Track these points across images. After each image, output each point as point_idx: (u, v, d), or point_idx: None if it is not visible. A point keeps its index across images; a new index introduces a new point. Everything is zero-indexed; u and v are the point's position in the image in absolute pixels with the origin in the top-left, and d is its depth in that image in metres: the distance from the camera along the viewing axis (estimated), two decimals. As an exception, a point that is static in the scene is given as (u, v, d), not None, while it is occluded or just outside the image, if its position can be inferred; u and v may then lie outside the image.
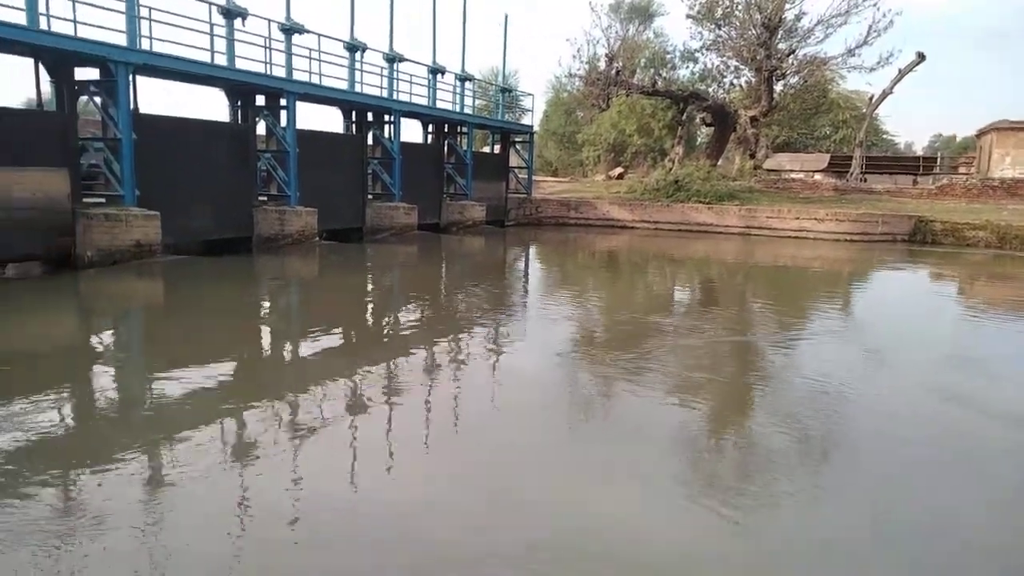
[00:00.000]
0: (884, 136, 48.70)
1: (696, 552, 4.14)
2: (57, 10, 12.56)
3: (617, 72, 30.30)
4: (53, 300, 11.15)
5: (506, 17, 27.66)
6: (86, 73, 13.56)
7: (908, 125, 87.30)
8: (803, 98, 34.57)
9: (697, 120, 36.59)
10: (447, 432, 5.94)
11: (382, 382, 7.31)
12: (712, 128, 34.41)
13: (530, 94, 44.25)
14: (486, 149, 32.78)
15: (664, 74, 35.18)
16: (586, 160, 43.96)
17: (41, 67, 13.17)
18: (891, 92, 32.68)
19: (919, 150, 56.80)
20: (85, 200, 13.57)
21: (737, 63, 31.88)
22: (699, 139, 42.59)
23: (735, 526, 4.40)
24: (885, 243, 23.96)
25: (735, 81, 33.36)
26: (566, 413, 6.56)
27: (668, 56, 37.90)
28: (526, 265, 19.74)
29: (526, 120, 32.23)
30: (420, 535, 4.14)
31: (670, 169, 30.91)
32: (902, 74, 31.81)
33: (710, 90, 33.55)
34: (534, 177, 31.58)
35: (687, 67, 36.70)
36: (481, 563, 3.89)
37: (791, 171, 36.26)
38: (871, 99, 34.47)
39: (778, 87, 31.43)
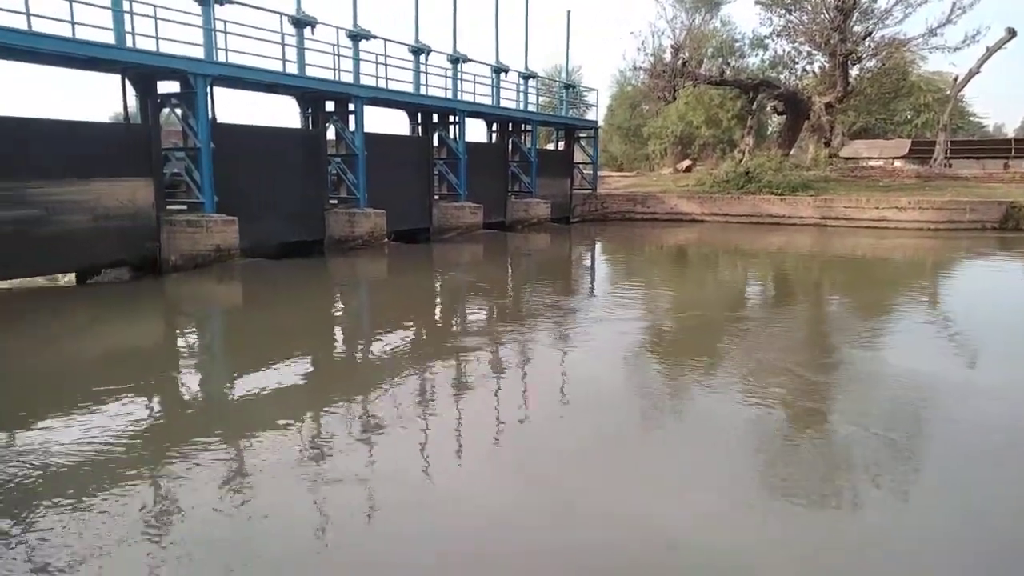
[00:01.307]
0: (971, 119, 46.00)
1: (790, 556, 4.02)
2: (139, 27, 13.20)
3: (683, 63, 29.65)
4: (143, 302, 11.81)
5: (568, 13, 27.50)
6: (167, 86, 14.24)
7: (998, 106, 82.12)
8: (881, 82, 33.03)
9: (768, 109, 35.49)
10: (516, 430, 5.96)
11: (451, 379, 7.40)
12: (784, 117, 33.31)
13: (594, 89, 43.83)
14: (550, 146, 32.71)
15: (732, 63, 34.27)
16: (652, 154, 43.27)
17: (127, 83, 13.89)
18: (978, 72, 30.86)
19: (1010, 132, 53.43)
20: (168, 207, 14.25)
21: (809, 48, 30.76)
22: (770, 128, 41.29)
23: (815, 530, 4.25)
24: (973, 231, 22.68)
25: (807, 67, 32.22)
26: (638, 412, 6.48)
27: (736, 44, 36.87)
28: (593, 261, 19.62)
29: (590, 115, 32.03)
30: (487, 533, 4.17)
31: (740, 160, 30.12)
32: (990, 52, 29.99)
33: (781, 77, 32.49)
34: (599, 172, 31.32)
35: (756, 55, 35.66)
36: (548, 563, 3.89)
37: (869, 158, 34.72)
38: (955, 80, 32.64)
39: (854, 71, 30.16)
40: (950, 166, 31.41)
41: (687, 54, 30.08)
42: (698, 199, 27.83)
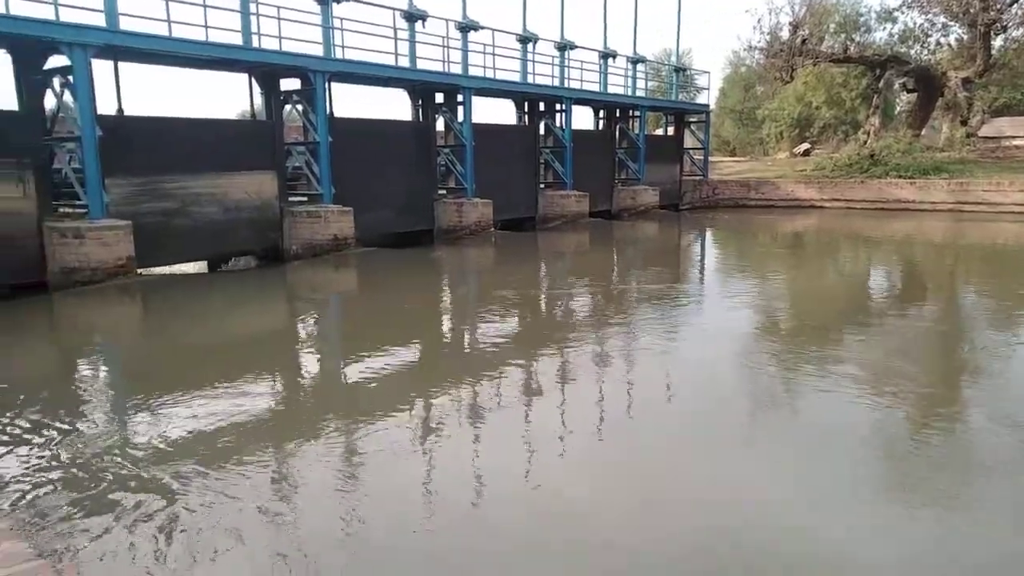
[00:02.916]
0: None
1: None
2: (262, 29, 13.95)
3: (803, 40, 28.15)
4: (270, 288, 12.60)
5: (679, -6, 26.65)
6: (289, 84, 15.00)
7: None
8: (1029, 53, 30.06)
9: (896, 87, 33.13)
10: (622, 423, 5.89)
11: (557, 369, 7.40)
12: (914, 94, 30.99)
13: (706, 72, 42.24)
14: (659, 132, 31.96)
15: (857, 38, 32.14)
16: (767, 137, 41.44)
17: (254, 81, 14.74)
18: None
19: None
20: (290, 199, 15.04)
21: (945, 19, 28.43)
22: (898, 108, 38.50)
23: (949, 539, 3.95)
24: None
25: (942, 40, 29.81)
26: (748, 408, 6.24)
27: (861, 18, 34.55)
28: (702, 250, 19.06)
29: (701, 99, 30.94)
30: (585, 528, 4.14)
31: (864, 142, 28.33)
32: None
33: (911, 52, 30.21)
34: (710, 158, 30.33)
35: (883, 28, 33.22)
36: (652, 563, 3.83)
37: (1013, 138, 31.72)
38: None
39: (997, 42, 27.61)
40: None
41: (807, 31, 28.54)
42: (817, 184, 26.42)
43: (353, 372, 7.47)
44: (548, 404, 6.29)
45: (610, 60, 23.31)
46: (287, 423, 5.80)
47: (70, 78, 11.21)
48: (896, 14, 31.29)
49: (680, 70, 29.51)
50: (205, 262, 14.05)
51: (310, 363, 8.13)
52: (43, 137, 11.69)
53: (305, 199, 15.25)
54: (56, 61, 11.51)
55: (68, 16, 11.09)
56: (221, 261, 14.17)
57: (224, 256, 14.15)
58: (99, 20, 11.51)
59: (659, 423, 5.82)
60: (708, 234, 21.65)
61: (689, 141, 28.89)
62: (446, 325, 10.07)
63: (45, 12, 10.93)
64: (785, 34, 28.71)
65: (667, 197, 26.15)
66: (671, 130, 29.01)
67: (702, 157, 28.92)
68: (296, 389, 7.03)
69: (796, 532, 4.07)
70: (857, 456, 5.02)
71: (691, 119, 28.91)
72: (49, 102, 12.10)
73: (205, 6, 12.72)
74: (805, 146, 36.53)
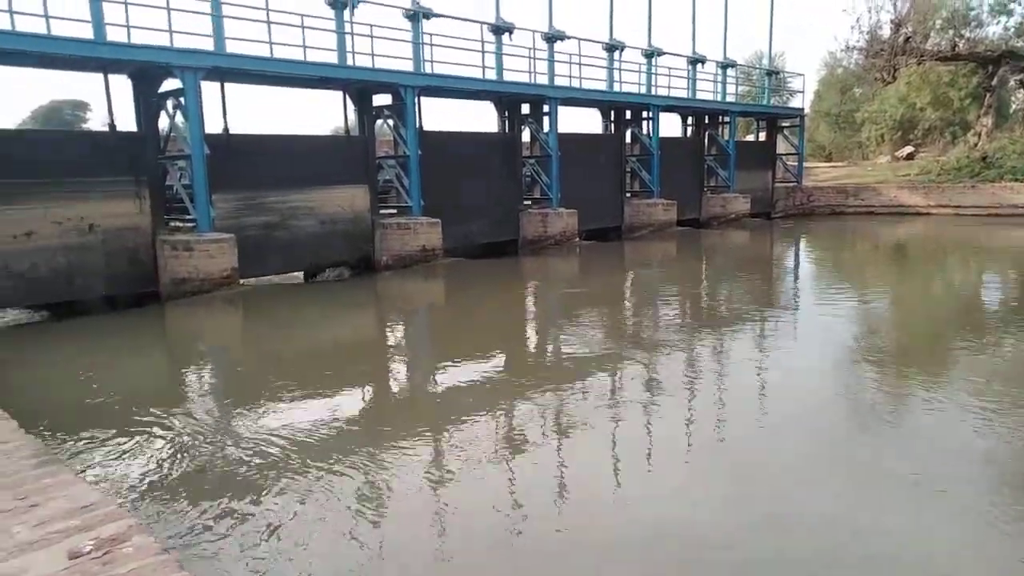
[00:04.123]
0: None
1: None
2: (352, 46, 14.46)
3: (906, 39, 26.79)
4: (364, 298, 13.06)
5: (772, -5, 25.85)
6: (380, 99, 15.47)
7: None
8: None
9: (1011, 84, 30.92)
10: (713, 438, 5.71)
11: (642, 381, 7.27)
12: (1033, 92, 28.85)
13: (799, 74, 40.92)
14: (750, 137, 31.05)
15: (967, 34, 30.21)
16: (866, 141, 39.45)
17: (347, 98, 15.28)
18: None
19: None
20: (381, 211, 15.49)
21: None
22: (1013, 106, 35.89)
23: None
24: None
25: (1066, 32, 27.60)
26: (848, 425, 5.93)
27: (972, 12, 32.47)
28: (796, 259, 18.35)
29: (795, 103, 29.99)
30: (675, 544, 4.03)
31: (975, 144, 26.62)
32: None
33: (1030, 46, 28.14)
34: (804, 163, 29.22)
35: (997, 22, 31.08)
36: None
37: None
38: None
39: None
40: None
41: (910, 28, 27.13)
42: (923, 189, 24.98)
43: (445, 380, 7.58)
44: (635, 417, 6.18)
45: (699, 65, 22.87)
46: (382, 427, 5.94)
47: (182, 100, 11.96)
48: (1012, 6, 29.24)
49: (772, 73, 28.62)
50: (301, 273, 14.65)
51: (404, 370, 8.32)
52: (157, 156, 12.51)
53: (395, 211, 15.66)
54: (169, 84, 12.32)
55: (180, 42, 11.87)
56: (316, 272, 14.74)
57: (319, 267, 14.70)
58: (207, 44, 12.26)
59: (751, 441, 5.60)
60: (803, 243, 20.81)
61: (782, 146, 27.93)
62: (531, 335, 10.08)
63: (159, 39, 11.73)
64: (886, 33, 27.38)
65: (759, 204, 25.34)
66: (763, 136, 28.14)
67: (796, 163, 27.88)
68: (388, 395, 7.20)
69: None
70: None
71: (784, 124, 27.96)
72: (162, 123, 12.94)
73: (303, 27, 13.31)
74: (909, 149, 34.61)
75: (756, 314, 10.57)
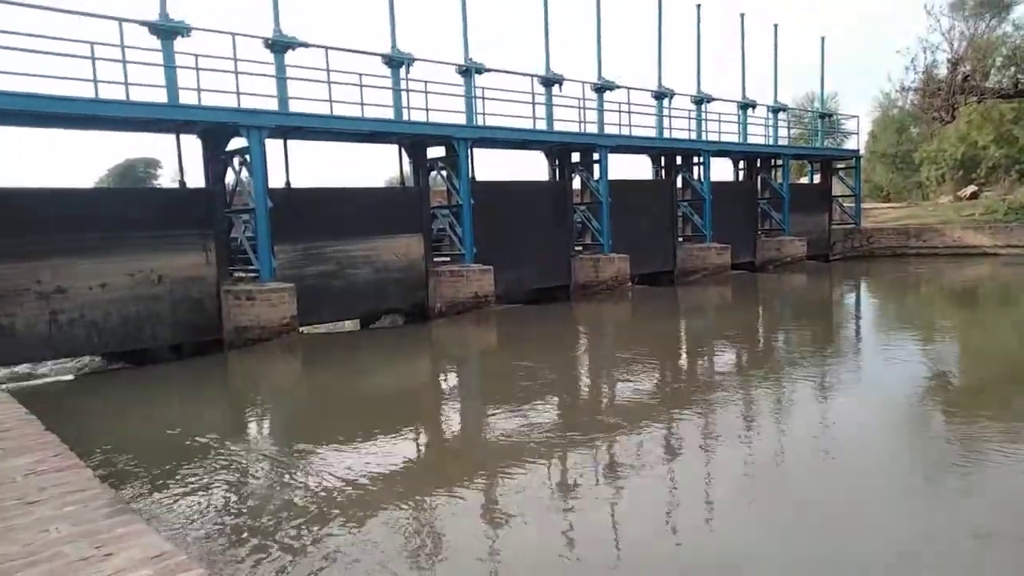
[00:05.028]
0: None
1: None
2: (409, 102, 14.97)
3: (965, 77, 26.19)
4: (419, 345, 13.30)
5: (822, 40, 25.79)
6: (434, 151, 15.91)
7: None
8: None
9: (1080, 119, 29.85)
10: (774, 485, 5.55)
11: (698, 426, 7.13)
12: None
13: (854, 116, 40.34)
14: (803, 180, 30.63)
15: (1030, 70, 29.42)
16: (926, 181, 38.46)
17: (402, 150, 15.77)
18: None
19: None
20: (434, 259, 15.78)
21: None
22: (1084, 142, 34.53)
23: None
24: None
25: None
26: (913, 473, 5.69)
27: (1034, 48, 31.62)
28: (857, 303, 17.85)
29: (849, 144, 29.48)
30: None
31: (1044, 182, 25.61)
32: None
33: (1099, 80, 27.20)
34: (862, 205, 28.62)
35: (1062, 57, 30.18)
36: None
37: None
38: None
39: None
40: None
41: (968, 67, 26.54)
42: (988, 230, 24.15)
43: (500, 426, 7.57)
44: (694, 462, 6.06)
45: (749, 110, 22.85)
46: (436, 472, 5.97)
47: (247, 157, 12.55)
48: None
49: (825, 115, 28.34)
50: (358, 320, 14.96)
51: (458, 416, 8.38)
52: (224, 210, 13.09)
53: (448, 259, 15.93)
54: (236, 143, 12.95)
55: (246, 102, 12.51)
56: (371, 319, 15.03)
57: (375, 314, 15.00)
58: (272, 104, 12.89)
59: (812, 485, 5.42)
60: (864, 285, 20.26)
61: (838, 188, 27.46)
62: (583, 382, 10.03)
63: (227, 100, 12.41)
64: (943, 72, 26.87)
65: (815, 247, 24.85)
66: (817, 178, 27.74)
67: (853, 204, 27.33)
68: (442, 440, 7.25)
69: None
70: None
71: (839, 165, 27.54)
72: (229, 178, 13.57)
73: (361, 85, 13.87)
74: (972, 188, 33.56)
75: (818, 358, 10.28)
